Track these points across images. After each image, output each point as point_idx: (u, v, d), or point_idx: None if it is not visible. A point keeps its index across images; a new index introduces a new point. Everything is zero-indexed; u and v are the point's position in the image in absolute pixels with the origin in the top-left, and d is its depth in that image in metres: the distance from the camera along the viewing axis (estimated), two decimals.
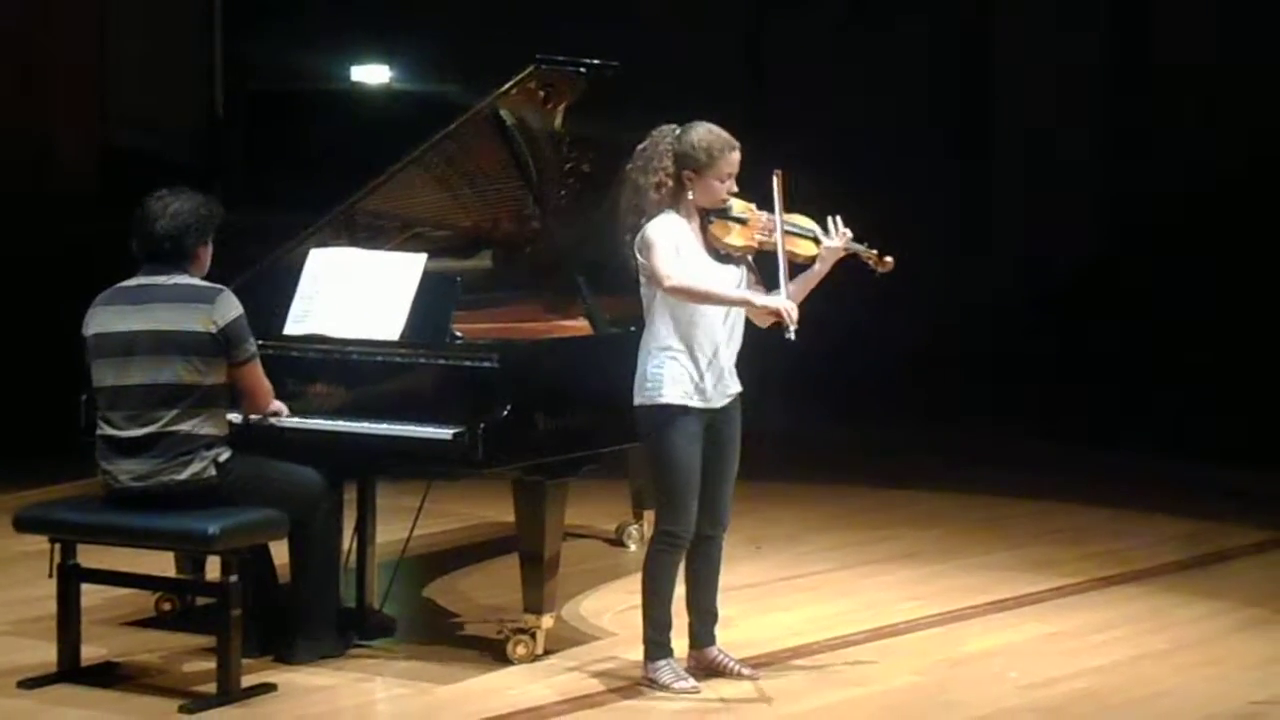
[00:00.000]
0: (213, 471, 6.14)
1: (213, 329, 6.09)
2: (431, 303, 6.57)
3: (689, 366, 6.10)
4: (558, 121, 7.15)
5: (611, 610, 7.19)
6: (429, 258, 6.69)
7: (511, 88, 6.81)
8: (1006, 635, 7.05)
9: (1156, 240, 12.73)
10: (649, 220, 6.08)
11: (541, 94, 6.98)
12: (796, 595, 7.63)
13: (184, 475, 6.11)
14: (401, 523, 7.15)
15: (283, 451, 6.37)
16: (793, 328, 6.00)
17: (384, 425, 6.40)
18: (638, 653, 6.30)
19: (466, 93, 7.32)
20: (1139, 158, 13.03)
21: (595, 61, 7.02)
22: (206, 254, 6.25)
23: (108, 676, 6.29)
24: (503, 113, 6.92)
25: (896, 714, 6.16)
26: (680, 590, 6.30)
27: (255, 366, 6.25)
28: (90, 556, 6.33)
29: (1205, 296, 12.45)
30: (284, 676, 6.27)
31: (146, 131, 12.26)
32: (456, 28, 12.94)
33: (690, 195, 6.12)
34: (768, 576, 7.89)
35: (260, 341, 6.32)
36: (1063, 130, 13.33)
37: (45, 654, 6.33)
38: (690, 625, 6.36)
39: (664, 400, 6.08)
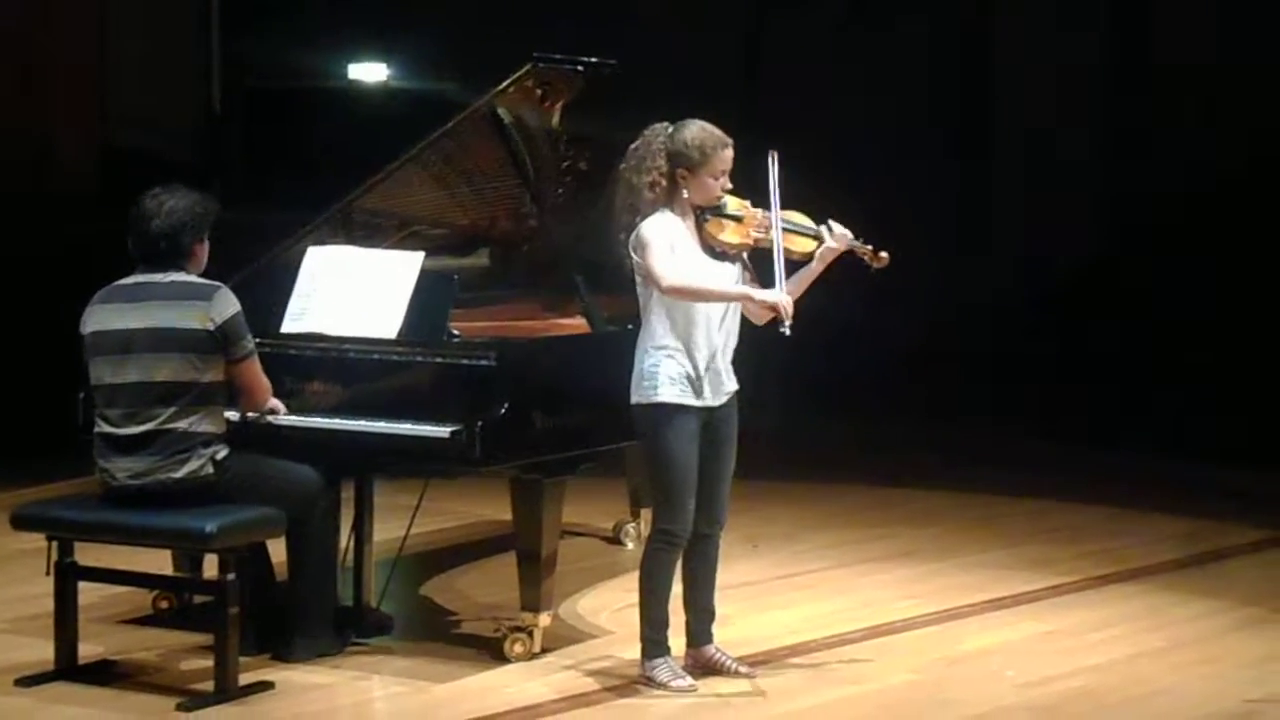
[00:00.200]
0: (210, 469, 6.14)
1: (210, 326, 6.09)
2: (429, 301, 6.57)
3: (686, 365, 6.10)
4: (555, 120, 7.16)
5: (609, 609, 7.19)
6: (426, 256, 6.69)
7: (509, 86, 6.82)
8: (1003, 634, 7.06)
9: (1156, 240, 12.73)
10: (643, 219, 6.08)
11: (539, 92, 6.99)
12: (794, 594, 7.63)
13: (181, 473, 6.11)
14: (399, 521, 7.15)
15: (280, 449, 6.37)
16: (788, 322, 6.00)
17: (381, 423, 6.40)
18: (635, 651, 6.30)
19: (464, 91, 7.31)
20: (1139, 158, 13.03)
21: (593, 60, 7.02)
22: (203, 251, 6.26)
23: (105, 674, 6.30)
24: (500, 111, 6.92)
25: (893, 712, 6.16)
26: (677, 589, 6.30)
27: (253, 364, 6.25)
28: (87, 554, 6.34)
29: (1205, 296, 12.45)
30: (281, 674, 6.28)
31: (146, 130, 12.26)
32: (454, 26, 12.94)
33: (684, 193, 6.13)
34: (765, 575, 7.89)
35: (258, 339, 6.33)
36: (1063, 130, 13.32)
37: (42, 652, 6.33)
38: (687, 624, 6.36)
39: (661, 399, 6.08)
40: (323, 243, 6.89)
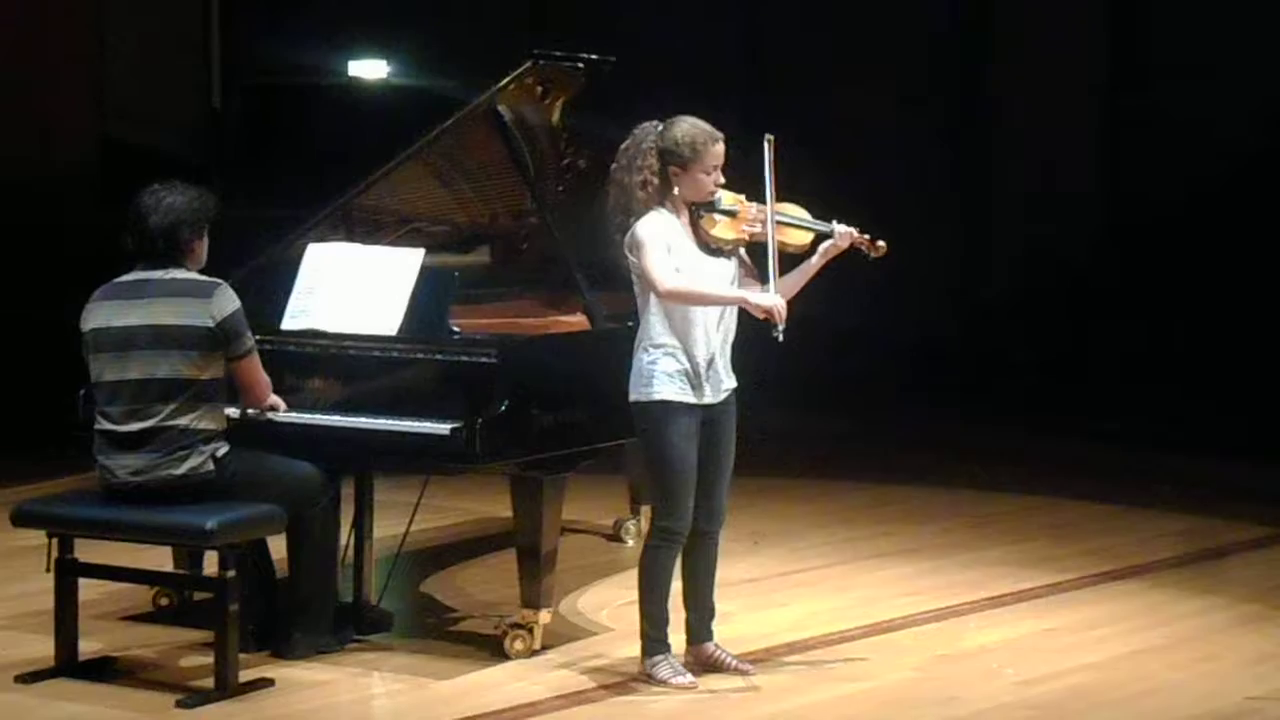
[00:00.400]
0: (210, 466, 6.14)
1: (210, 323, 6.09)
2: (429, 298, 6.57)
3: (684, 363, 6.10)
4: (555, 116, 7.16)
5: (609, 605, 7.19)
6: (427, 253, 6.69)
7: (509, 83, 6.82)
8: (1004, 631, 7.06)
9: (1156, 240, 12.71)
10: (638, 219, 6.07)
11: (539, 89, 6.99)
12: (794, 591, 7.63)
13: (182, 470, 6.11)
14: (399, 518, 7.15)
15: (281, 446, 6.37)
16: (781, 326, 5.99)
17: (382, 420, 6.40)
18: (635, 648, 6.30)
19: (464, 88, 7.30)
20: (1139, 158, 13.00)
21: (592, 56, 7.02)
22: (202, 248, 6.25)
23: (105, 671, 6.30)
24: (500, 108, 6.92)
25: (893, 709, 6.16)
26: (677, 586, 6.30)
27: (253, 360, 6.25)
28: (88, 551, 6.33)
29: (1204, 295, 12.43)
30: (281, 671, 6.28)
31: (145, 126, 12.26)
32: (454, 23, 12.92)
33: (677, 191, 6.12)
34: (765, 572, 7.89)
35: (258, 336, 6.33)
36: (1063, 130, 13.30)
37: (43, 648, 6.33)
38: (687, 621, 6.37)
39: (659, 396, 6.08)
40: (323, 239, 6.88)
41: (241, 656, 6.13)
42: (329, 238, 6.92)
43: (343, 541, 6.72)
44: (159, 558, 6.84)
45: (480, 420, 6.20)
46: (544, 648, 6.54)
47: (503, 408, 6.24)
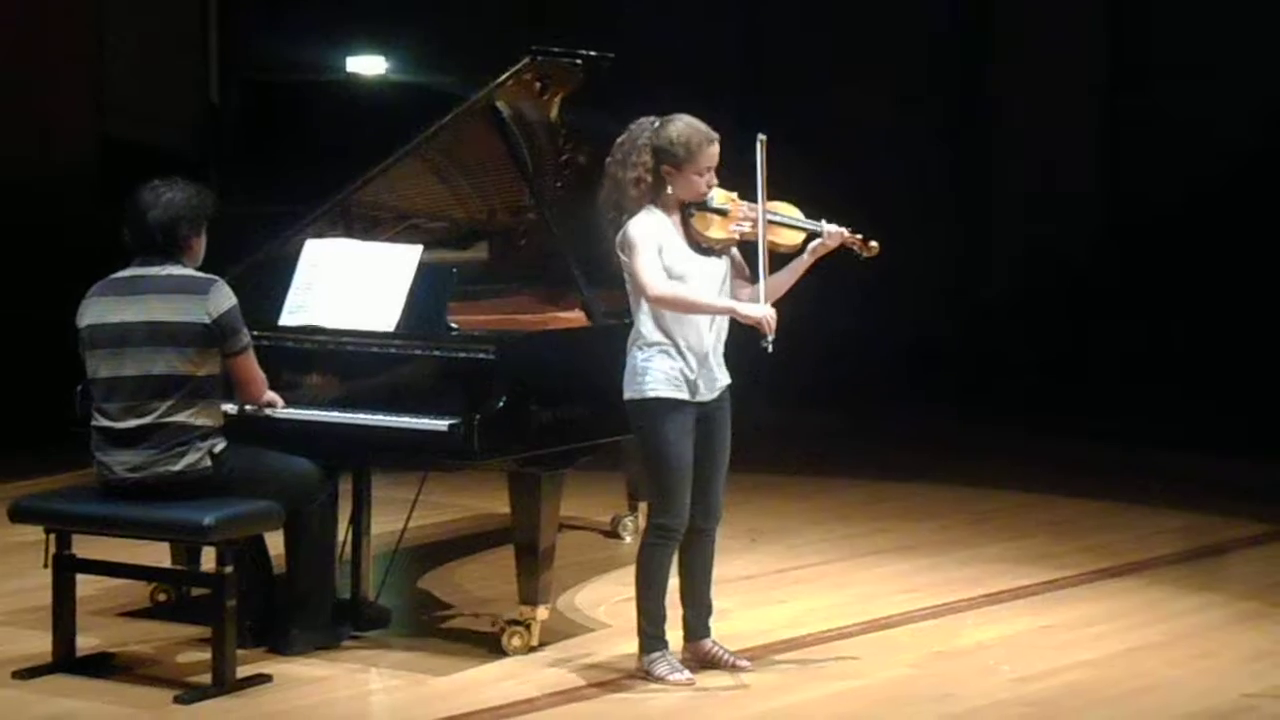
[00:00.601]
0: (208, 462, 6.14)
1: (206, 319, 6.09)
2: (427, 294, 6.57)
3: (677, 360, 6.10)
4: (553, 113, 7.16)
5: (606, 602, 7.19)
6: (425, 249, 6.69)
7: (508, 79, 6.82)
8: (1001, 628, 7.06)
9: (1156, 240, 12.71)
10: (630, 217, 6.07)
11: (537, 85, 7.00)
12: (791, 588, 7.63)
13: (179, 466, 6.11)
14: (397, 514, 7.15)
15: (278, 442, 6.37)
16: (770, 337, 5.99)
17: (380, 416, 6.40)
18: (632, 645, 6.30)
19: (462, 84, 7.31)
20: (1139, 158, 13.01)
21: (591, 53, 7.02)
22: (200, 244, 6.25)
23: (103, 667, 6.30)
24: (499, 104, 6.93)
25: (889, 706, 6.16)
26: (674, 583, 6.30)
27: (249, 357, 6.25)
28: (85, 547, 6.33)
29: (1204, 295, 12.44)
30: (279, 667, 6.28)
31: (144, 124, 12.26)
32: (452, 19, 12.92)
33: (670, 190, 6.11)
34: (762, 569, 7.89)
35: (256, 332, 6.33)
36: (1063, 130, 13.30)
37: (40, 644, 6.33)
38: (685, 618, 6.37)
39: (654, 394, 6.08)
40: (321, 235, 6.89)
41: (239, 652, 6.12)
42: (327, 234, 6.92)
43: (340, 538, 6.71)
44: (157, 554, 6.85)
45: (478, 416, 6.20)
46: (541, 644, 6.53)
47: (501, 404, 6.24)
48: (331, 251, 6.76)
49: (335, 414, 6.47)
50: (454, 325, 6.61)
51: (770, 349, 5.99)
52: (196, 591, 6.84)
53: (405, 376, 6.48)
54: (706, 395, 6.16)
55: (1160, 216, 12.67)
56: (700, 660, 6.35)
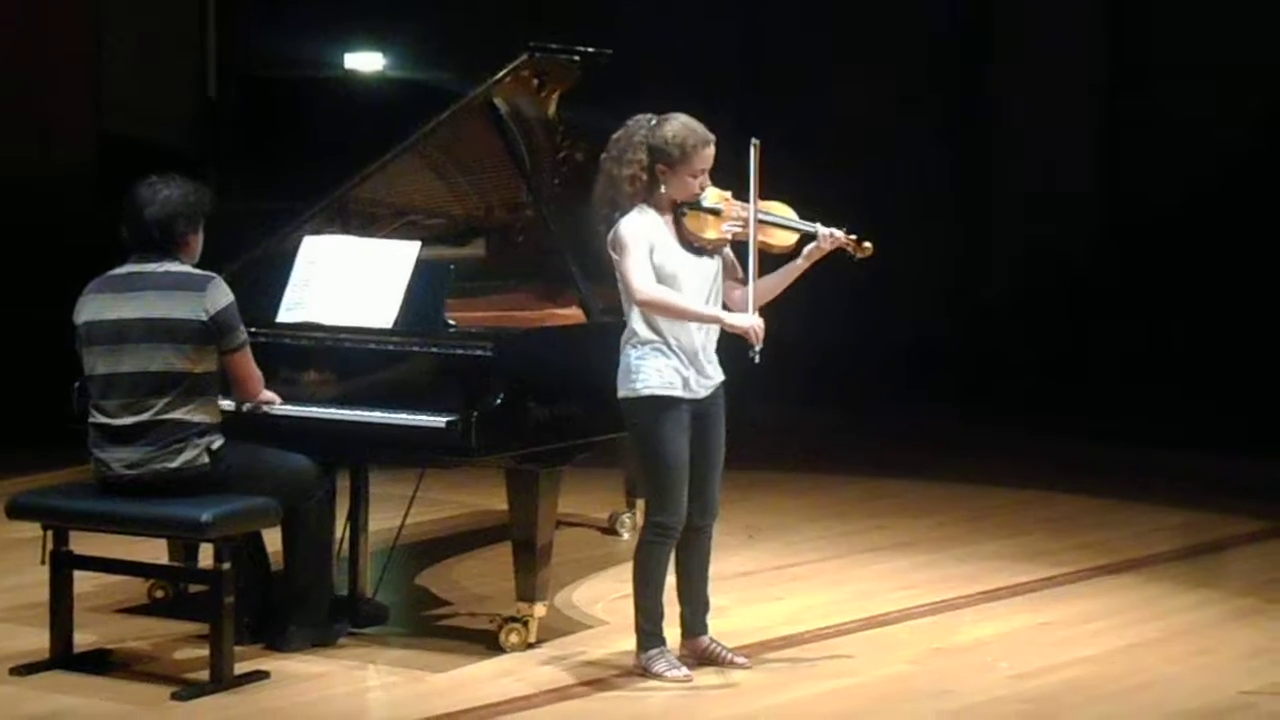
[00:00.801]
0: (205, 459, 6.14)
1: (203, 316, 6.09)
2: (425, 291, 6.57)
3: (670, 358, 6.09)
4: (551, 109, 7.17)
5: (604, 599, 7.19)
6: (423, 245, 6.69)
7: (505, 76, 6.82)
8: (999, 625, 7.05)
9: (1156, 240, 12.71)
10: (622, 215, 6.06)
11: (535, 82, 7.00)
12: (788, 585, 7.63)
13: (177, 463, 6.11)
14: (394, 510, 7.16)
15: (276, 439, 6.37)
16: (758, 347, 5.99)
17: (377, 413, 6.40)
18: (630, 642, 6.30)
19: (460, 81, 7.31)
20: (1139, 158, 13.00)
21: (589, 49, 7.02)
22: (197, 241, 6.25)
23: (100, 663, 6.30)
24: (496, 101, 6.93)
25: (888, 703, 6.15)
26: (671, 580, 6.30)
27: (245, 354, 6.25)
28: (83, 544, 6.33)
29: (1204, 295, 12.44)
30: (276, 664, 6.28)
31: (143, 122, 12.26)
32: (450, 15, 12.92)
33: (663, 189, 6.11)
34: (760, 566, 7.89)
35: (253, 329, 6.33)
36: (1063, 130, 13.30)
37: (38, 641, 6.33)
38: (682, 615, 6.36)
39: (648, 392, 6.07)
40: (319, 232, 6.89)
41: (237, 649, 6.12)
42: (325, 230, 6.92)
43: (338, 534, 6.72)
44: (154, 550, 6.85)
45: (476, 413, 6.20)
46: (539, 641, 6.54)
47: (498, 401, 6.24)
48: (329, 248, 6.76)
49: (333, 410, 6.47)
50: (451, 322, 6.61)
51: (758, 359, 5.99)
52: (194, 588, 6.84)
53: (403, 373, 6.49)
54: (700, 392, 6.16)
55: (1160, 216, 12.67)
56: (698, 657, 6.35)
